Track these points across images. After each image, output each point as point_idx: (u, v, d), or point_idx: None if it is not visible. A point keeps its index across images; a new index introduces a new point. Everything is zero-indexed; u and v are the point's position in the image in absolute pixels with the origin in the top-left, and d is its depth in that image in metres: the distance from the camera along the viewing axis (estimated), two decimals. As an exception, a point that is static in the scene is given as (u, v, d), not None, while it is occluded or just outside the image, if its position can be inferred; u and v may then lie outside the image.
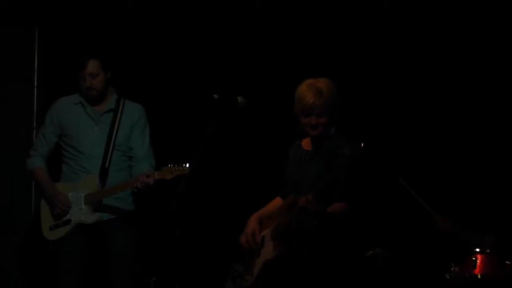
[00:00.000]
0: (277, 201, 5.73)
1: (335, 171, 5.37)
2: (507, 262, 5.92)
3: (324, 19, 7.89)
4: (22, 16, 8.34)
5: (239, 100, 5.62)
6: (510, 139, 6.84)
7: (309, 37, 7.92)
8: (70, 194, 6.20)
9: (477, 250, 5.95)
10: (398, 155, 7.25)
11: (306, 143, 5.68)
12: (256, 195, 6.14)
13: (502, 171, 6.71)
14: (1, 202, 7.96)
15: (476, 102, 7.16)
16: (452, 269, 6.04)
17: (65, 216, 6.19)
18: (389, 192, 7.05)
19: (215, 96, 5.64)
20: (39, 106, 8.36)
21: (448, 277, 6.02)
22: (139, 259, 6.48)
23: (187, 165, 5.92)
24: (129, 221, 6.28)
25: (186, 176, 5.81)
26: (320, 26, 7.92)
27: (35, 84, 8.45)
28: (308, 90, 5.52)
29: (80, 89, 6.28)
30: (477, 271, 5.88)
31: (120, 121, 6.31)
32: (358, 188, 5.56)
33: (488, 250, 5.93)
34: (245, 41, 8.19)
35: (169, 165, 5.97)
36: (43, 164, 6.34)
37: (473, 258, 5.91)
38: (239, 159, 7.34)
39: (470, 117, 7.14)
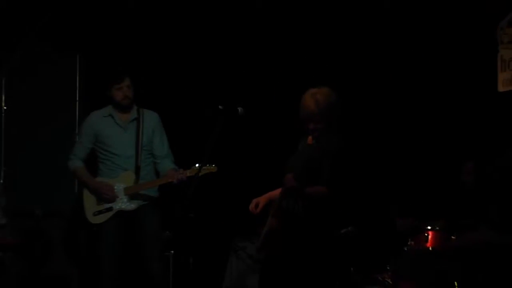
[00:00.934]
0: None
1: (315, 162, 5.65)
2: (452, 237, 6.17)
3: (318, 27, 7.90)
4: (66, 45, 8.64)
5: (239, 110, 5.93)
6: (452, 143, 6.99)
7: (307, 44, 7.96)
8: (114, 186, 6.63)
9: (429, 228, 6.29)
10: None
11: (310, 138, 5.78)
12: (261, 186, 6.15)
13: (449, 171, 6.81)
14: (49, 192, 8.35)
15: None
16: (409, 243, 6.38)
17: (108, 204, 6.57)
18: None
19: (220, 107, 5.93)
20: (80, 118, 8.66)
21: (406, 249, 6.38)
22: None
23: (214, 165, 6.34)
24: (155, 206, 6.66)
25: (214, 172, 6.32)
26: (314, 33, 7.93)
27: (77, 99, 8.88)
28: (308, 100, 5.64)
29: (115, 99, 6.68)
30: (428, 244, 6.24)
31: (143, 127, 6.70)
32: (340, 179, 5.66)
33: (437, 228, 6.27)
34: (246, 52, 8.18)
35: (197, 165, 6.34)
36: (82, 164, 6.76)
37: (425, 234, 6.27)
38: (243, 158, 7.38)
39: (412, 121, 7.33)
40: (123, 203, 6.61)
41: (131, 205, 6.63)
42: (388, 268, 6.40)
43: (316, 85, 5.83)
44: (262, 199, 5.89)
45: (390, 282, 6.15)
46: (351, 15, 7.77)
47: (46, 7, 8.35)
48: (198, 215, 6.98)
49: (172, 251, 7.28)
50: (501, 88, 6.88)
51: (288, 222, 5.76)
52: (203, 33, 8.37)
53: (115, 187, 6.64)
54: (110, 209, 6.62)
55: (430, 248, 6.21)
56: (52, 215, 8.02)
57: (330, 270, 5.88)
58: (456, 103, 7.09)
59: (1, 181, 8.18)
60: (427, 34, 7.36)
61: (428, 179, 6.98)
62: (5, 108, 8.44)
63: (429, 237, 6.26)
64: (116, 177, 6.68)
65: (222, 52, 8.31)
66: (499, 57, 6.92)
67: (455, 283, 5.86)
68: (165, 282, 6.84)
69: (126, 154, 6.69)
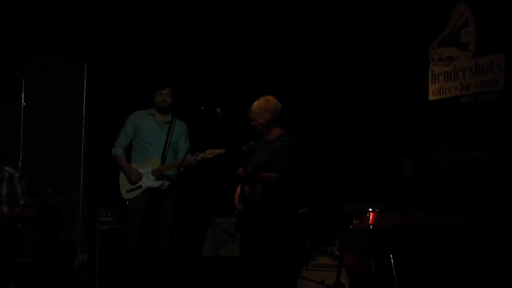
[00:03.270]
0: None
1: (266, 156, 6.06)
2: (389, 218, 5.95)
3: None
4: (75, 53, 8.84)
5: (217, 111, 6.34)
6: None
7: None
8: (140, 170, 6.86)
9: (370, 210, 6.30)
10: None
11: (267, 137, 6.21)
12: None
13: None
14: (59, 174, 8.67)
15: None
16: (353, 222, 6.40)
17: (137, 183, 6.86)
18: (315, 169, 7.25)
19: (202, 107, 6.38)
20: (86, 114, 9.07)
21: (351, 227, 6.39)
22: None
23: (223, 149, 6.57)
24: (174, 185, 6.88)
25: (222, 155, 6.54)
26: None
27: (84, 99, 9.10)
28: (252, 106, 6.18)
29: (155, 102, 6.98)
30: (369, 222, 6.25)
31: (174, 130, 6.99)
32: (288, 165, 6.03)
33: (377, 210, 6.27)
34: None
35: (208, 150, 6.62)
36: (123, 151, 7.02)
37: (367, 215, 6.30)
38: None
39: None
40: (151, 182, 6.85)
41: (156, 183, 6.85)
42: (336, 242, 6.39)
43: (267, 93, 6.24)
44: (236, 196, 6.21)
45: (337, 253, 6.11)
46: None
47: (60, 21, 8.43)
48: (183, 195, 7.02)
49: (176, 232, 7.24)
50: (431, 97, 6.90)
51: (250, 204, 6.08)
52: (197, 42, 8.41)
53: (144, 170, 6.89)
54: (139, 187, 6.87)
55: (371, 227, 6.22)
56: (62, 193, 8.18)
57: (289, 242, 6.15)
58: (397, 108, 7.06)
59: (20, 164, 8.36)
60: (373, 51, 7.35)
61: (372, 172, 6.96)
62: (24, 104, 8.65)
63: (370, 217, 6.28)
64: (146, 162, 6.91)
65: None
66: (430, 72, 6.92)
67: (390, 254, 5.84)
68: (168, 252, 6.90)
69: (157, 145, 6.94)
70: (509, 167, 4.74)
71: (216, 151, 6.61)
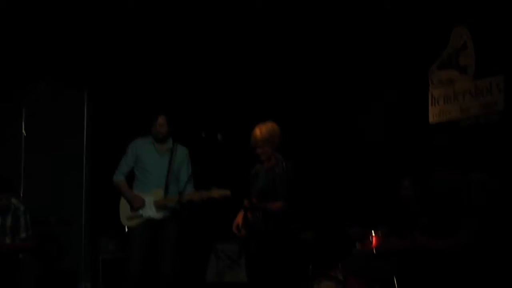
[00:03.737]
0: None
1: (268, 183, 6.15)
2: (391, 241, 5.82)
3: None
4: (75, 83, 8.82)
5: (219, 137, 6.37)
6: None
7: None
8: (145, 199, 6.77)
9: (373, 234, 6.24)
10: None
11: (264, 164, 6.29)
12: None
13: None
14: (61, 203, 8.62)
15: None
16: (356, 246, 6.41)
17: (139, 212, 6.78)
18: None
19: (203, 134, 6.43)
20: (87, 142, 9.05)
21: (354, 251, 6.39)
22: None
23: (228, 191, 6.44)
24: (177, 217, 6.80)
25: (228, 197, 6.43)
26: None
27: (84, 127, 9.07)
28: (255, 131, 6.20)
29: (152, 132, 6.88)
30: (372, 246, 6.17)
31: (175, 156, 6.91)
32: (291, 192, 6.12)
33: (380, 234, 6.22)
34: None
35: (213, 189, 6.51)
36: (124, 178, 6.96)
37: (370, 239, 6.24)
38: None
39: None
40: (152, 212, 6.78)
41: (158, 215, 6.79)
42: (339, 266, 6.38)
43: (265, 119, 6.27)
44: (238, 221, 6.25)
45: (341, 278, 6.11)
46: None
47: (60, 51, 8.46)
48: (184, 224, 6.98)
49: None
50: (431, 120, 6.93)
51: (253, 231, 6.15)
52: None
53: (147, 199, 6.82)
54: (140, 216, 6.81)
55: (374, 250, 6.16)
56: (64, 222, 8.17)
57: (293, 267, 6.21)
58: (397, 130, 7.10)
59: (21, 194, 8.32)
60: (373, 74, 7.43)
61: (373, 195, 6.97)
62: (24, 134, 8.63)
63: (373, 241, 6.25)
64: (149, 192, 6.84)
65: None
66: (430, 94, 6.95)
67: (394, 279, 5.82)
68: (174, 282, 6.85)
69: (159, 175, 6.88)
70: (510, 189, 4.84)
71: (222, 192, 6.50)
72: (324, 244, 6.82)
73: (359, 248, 6.40)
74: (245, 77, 8.20)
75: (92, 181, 9.01)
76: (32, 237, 7.53)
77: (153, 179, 6.90)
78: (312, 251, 6.70)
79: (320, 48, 7.65)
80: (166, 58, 8.47)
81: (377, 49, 7.31)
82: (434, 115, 6.92)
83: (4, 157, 8.52)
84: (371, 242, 6.28)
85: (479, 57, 6.55)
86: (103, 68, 8.75)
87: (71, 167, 9.00)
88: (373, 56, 7.35)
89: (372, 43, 7.32)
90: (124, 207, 6.93)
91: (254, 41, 8.00)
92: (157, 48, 8.43)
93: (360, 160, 7.34)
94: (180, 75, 8.46)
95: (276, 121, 6.32)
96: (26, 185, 8.47)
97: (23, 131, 8.61)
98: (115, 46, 8.51)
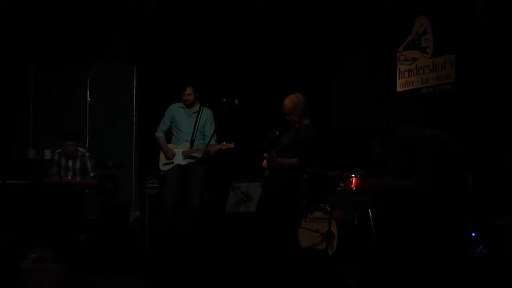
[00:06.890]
0: None
1: (291, 140, 6.07)
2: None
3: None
4: (127, 59, 8.83)
5: (236, 102, 6.35)
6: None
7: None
8: (175, 150, 6.88)
9: (353, 175, 6.18)
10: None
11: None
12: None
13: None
14: (116, 152, 8.64)
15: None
16: (340, 185, 6.35)
17: (171, 160, 6.89)
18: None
19: (224, 99, 6.39)
20: (136, 110, 9.04)
21: (338, 189, 6.36)
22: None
23: (233, 143, 6.53)
24: (200, 163, 6.81)
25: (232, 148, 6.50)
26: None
27: (134, 97, 9.08)
28: (285, 102, 6.07)
29: (182, 98, 6.91)
30: (352, 185, 6.14)
31: (200, 117, 6.91)
32: (308, 152, 6.05)
33: (358, 176, 6.15)
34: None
35: (223, 142, 6.59)
36: (163, 135, 7.07)
37: (351, 180, 6.18)
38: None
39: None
40: (180, 160, 6.89)
41: (185, 162, 6.89)
42: (327, 200, 6.24)
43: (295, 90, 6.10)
44: (264, 163, 6.21)
45: (328, 209, 6.01)
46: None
47: (114, 31, 8.42)
48: (208, 168, 6.98)
49: (205, 194, 7.20)
50: (399, 89, 6.88)
51: (272, 173, 6.13)
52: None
53: (176, 151, 6.91)
54: (171, 163, 6.93)
55: (354, 188, 6.14)
56: (118, 166, 8.14)
57: (292, 201, 6.19)
58: (372, 97, 7.01)
59: (87, 145, 8.29)
60: (353, 53, 7.29)
61: (354, 151, 6.76)
62: (89, 99, 8.61)
63: (353, 181, 6.20)
64: (179, 144, 6.95)
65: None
66: (397, 70, 6.89)
67: (369, 209, 5.46)
68: (200, 211, 6.88)
69: (187, 132, 6.94)
70: (459, 145, 4.71)
71: (227, 145, 6.57)
72: (315, 183, 6.54)
73: (342, 186, 6.35)
74: (254, 56, 7.99)
75: (139, 135, 9.05)
76: (96, 177, 7.68)
77: (183, 135, 6.97)
78: (307, 189, 6.44)
79: (308, 23, 7.42)
80: (195, 39, 8.34)
81: (357, 34, 7.20)
82: (400, 85, 6.87)
83: (74, 116, 8.60)
84: (351, 182, 6.22)
85: (436, 40, 6.51)
86: (148, 49, 8.73)
87: (124, 124, 9.06)
88: (354, 39, 7.24)
89: (353, 28, 7.20)
90: (161, 157, 7.05)
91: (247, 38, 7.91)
92: (189, 32, 8.32)
93: (343, 120, 7.27)
94: (207, 54, 8.30)
95: (271, 86, 6.33)
96: (90, 139, 8.45)
97: (88, 96, 8.59)
98: (157, 32, 8.44)
